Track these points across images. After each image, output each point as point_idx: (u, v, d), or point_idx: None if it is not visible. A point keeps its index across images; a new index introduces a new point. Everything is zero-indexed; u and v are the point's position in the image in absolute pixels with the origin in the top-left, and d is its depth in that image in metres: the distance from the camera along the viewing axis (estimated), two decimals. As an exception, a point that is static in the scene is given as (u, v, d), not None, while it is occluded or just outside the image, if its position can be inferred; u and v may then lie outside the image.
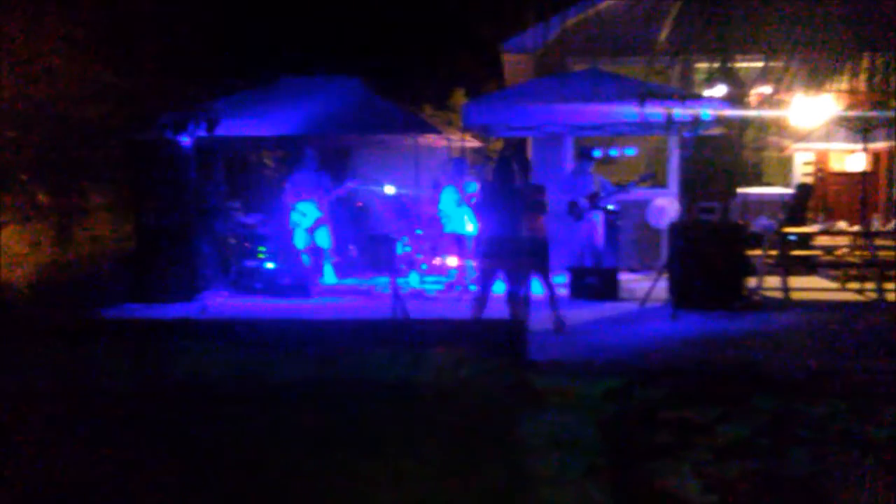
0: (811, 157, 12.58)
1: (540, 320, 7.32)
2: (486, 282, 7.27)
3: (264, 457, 4.35)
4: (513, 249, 7.11)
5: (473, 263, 9.05)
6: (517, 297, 7.16)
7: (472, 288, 9.19)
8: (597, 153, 10.66)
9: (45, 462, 4.30)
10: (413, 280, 9.99)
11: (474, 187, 9.57)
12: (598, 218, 10.30)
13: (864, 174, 10.43)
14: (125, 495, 3.96)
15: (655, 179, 11.32)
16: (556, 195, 9.11)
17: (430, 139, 10.85)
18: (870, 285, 9.26)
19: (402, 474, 4.10)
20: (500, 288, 7.39)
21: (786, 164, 12.76)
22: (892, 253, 9.47)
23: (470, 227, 9.58)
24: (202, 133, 9.12)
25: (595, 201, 10.07)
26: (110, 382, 5.60)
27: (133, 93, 9.40)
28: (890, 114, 8.31)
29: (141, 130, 9.37)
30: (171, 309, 8.79)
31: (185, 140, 9.13)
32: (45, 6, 8.79)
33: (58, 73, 8.92)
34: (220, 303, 9.24)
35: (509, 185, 7.21)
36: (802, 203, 10.60)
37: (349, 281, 10.78)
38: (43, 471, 4.20)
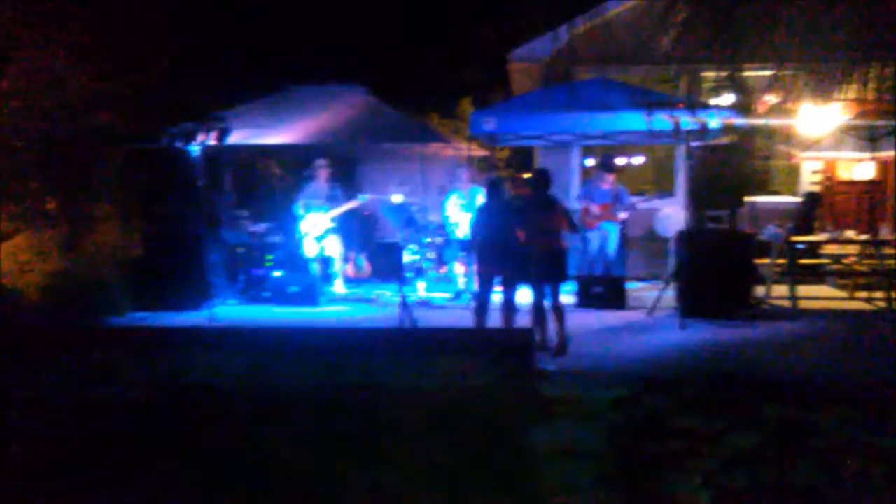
0: (819, 165, 12.55)
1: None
2: (484, 290, 7.30)
3: (273, 463, 4.36)
4: (508, 258, 7.14)
5: (472, 268, 9.07)
6: (512, 306, 7.17)
7: (466, 297, 9.21)
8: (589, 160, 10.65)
9: (54, 469, 4.31)
10: (420, 288, 10.00)
11: (478, 192, 9.58)
12: (614, 228, 10.26)
13: (872, 183, 10.41)
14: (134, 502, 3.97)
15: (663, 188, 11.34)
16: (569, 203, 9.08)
17: (437, 148, 10.87)
18: (878, 294, 9.23)
19: (410, 483, 4.10)
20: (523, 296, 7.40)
21: (794, 172, 12.73)
22: (900, 262, 9.43)
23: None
24: (211, 142, 9.16)
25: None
26: (119, 391, 5.61)
27: (142, 101, 9.43)
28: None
29: (150, 139, 9.42)
30: (179, 317, 8.82)
31: (195, 149, 9.16)
32: (51, 14, 8.84)
33: (66, 82, 8.96)
34: (229, 311, 9.26)
35: (504, 197, 7.38)
36: (810, 212, 10.58)
37: (357, 289, 10.79)
38: (52, 477, 4.22)
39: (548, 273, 7.23)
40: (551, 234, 7.26)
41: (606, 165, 10.38)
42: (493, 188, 7.59)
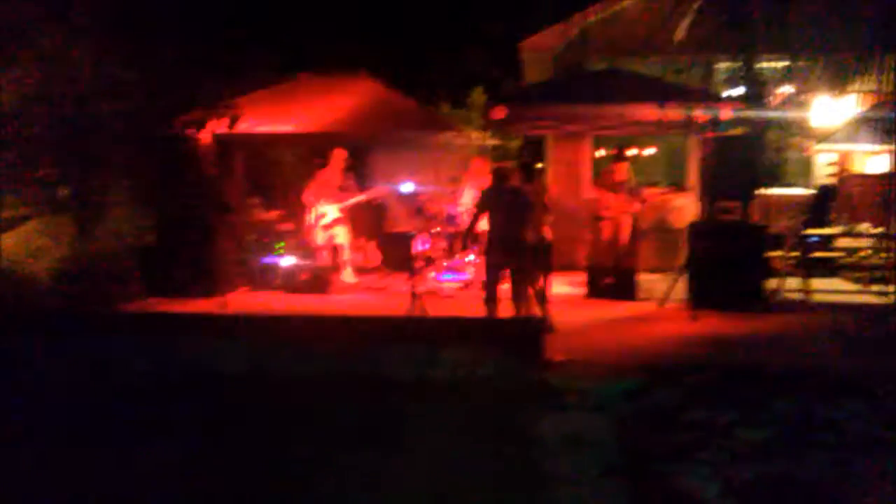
0: (833, 157, 12.45)
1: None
2: (492, 280, 7.28)
3: (282, 449, 4.38)
4: (514, 249, 7.13)
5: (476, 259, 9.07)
6: (521, 296, 7.15)
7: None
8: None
9: (65, 453, 4.34)
10: (431, 278, 9.98)
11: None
12: (626, 218, 10.21)
13: (887, 175, 10.31)
14: (142, 488, 4.00)
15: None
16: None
17: (448, 137, 10.84)
18: (892, 288, 9.16)
19: (417, 471, 4.10)
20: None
21: (807, 164, 12.64)
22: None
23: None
24: (223, 129, 9.16)
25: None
26: (130, 377, 5.64)
27: (153, 89, 9.45)
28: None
29: (162, 126, 9.43)
30: (190, 304, 8.84)
31: (206, 136, 9.17)
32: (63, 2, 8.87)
33: (78, 69, 8.99)
34: (239, 298, 9.28)
35: (507, 187, 7.32)
36: (824, 204, 10.51)
37: (367, 278, 10.79)
38: (62, 461, 4.25)
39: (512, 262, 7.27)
40: (517, 224, 7.25)
41: (618, 155, 10.33)
42: (496, 177, 7.57)
